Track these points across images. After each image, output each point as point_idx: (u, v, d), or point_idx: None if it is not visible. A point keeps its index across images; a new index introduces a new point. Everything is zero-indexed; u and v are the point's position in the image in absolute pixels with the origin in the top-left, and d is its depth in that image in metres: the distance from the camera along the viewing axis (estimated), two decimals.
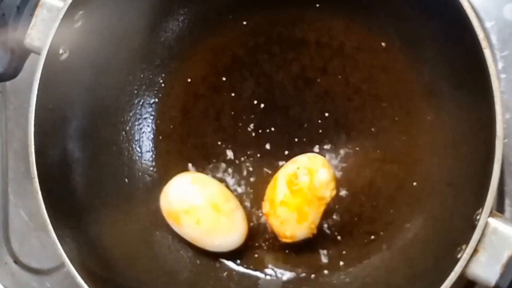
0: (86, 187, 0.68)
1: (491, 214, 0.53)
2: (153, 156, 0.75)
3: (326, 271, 0.70)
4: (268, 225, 0.70)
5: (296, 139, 0.72)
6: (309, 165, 0.66)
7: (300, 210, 0.66)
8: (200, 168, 0.74)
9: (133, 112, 0.74)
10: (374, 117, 0.70)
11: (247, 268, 0.72)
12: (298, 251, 0.71)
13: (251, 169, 0.73)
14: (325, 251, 0.70)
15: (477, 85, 0.56)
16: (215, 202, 0.69)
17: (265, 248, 0.72)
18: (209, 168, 0.74)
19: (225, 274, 0.72)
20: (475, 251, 0.53)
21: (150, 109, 0.76)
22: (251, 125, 0.74)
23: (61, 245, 0.60)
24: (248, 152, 0.74)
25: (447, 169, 0.65)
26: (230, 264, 0.72)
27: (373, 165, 0.70)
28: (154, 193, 0.72)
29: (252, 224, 0.71)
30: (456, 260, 0.53)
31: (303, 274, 0.70)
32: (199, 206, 0.68)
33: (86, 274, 0.60)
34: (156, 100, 0.76)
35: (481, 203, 0.53)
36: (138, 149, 0.75)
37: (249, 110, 0.74)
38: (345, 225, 0.70)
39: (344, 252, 0.70)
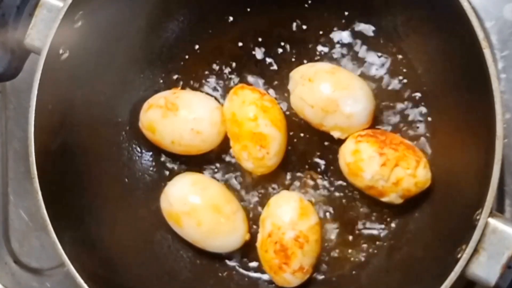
0: (86, 187, 0.68)
1: (491, 214, 0.53)
2: (153, 156, 0.75)
3: (325, 271, 0.70)
4: None
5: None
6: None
7: None
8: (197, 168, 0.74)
9: (133, 112, 0.74)
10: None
11: (247, 268, 0.72)
12: None
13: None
14: (324, 252, 0.70)
15: (477, 85, 0.56)
16: (216, 204, 0.68)
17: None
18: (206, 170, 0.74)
19: (225, 274, 0.72)
20: (475, 251, 0.53)
21: None
22: None
23: (61, 245, 0.60)
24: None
25: (447, 170, 0.65)
26: (230, 264, 0.72)
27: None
28: (154, 193, 0.72)
29: (252, 224, 0.71)
30: (456, 260, 0.53)
31: None
32: (200, 208, 0.68)
33: (86, 274, 0.60)
34: None
35: (481, 203, 0.53)
36: (138, 149, 0.75)
37: None
38: (344, 226, 0.70)
39: (344, 252, 0.70)
